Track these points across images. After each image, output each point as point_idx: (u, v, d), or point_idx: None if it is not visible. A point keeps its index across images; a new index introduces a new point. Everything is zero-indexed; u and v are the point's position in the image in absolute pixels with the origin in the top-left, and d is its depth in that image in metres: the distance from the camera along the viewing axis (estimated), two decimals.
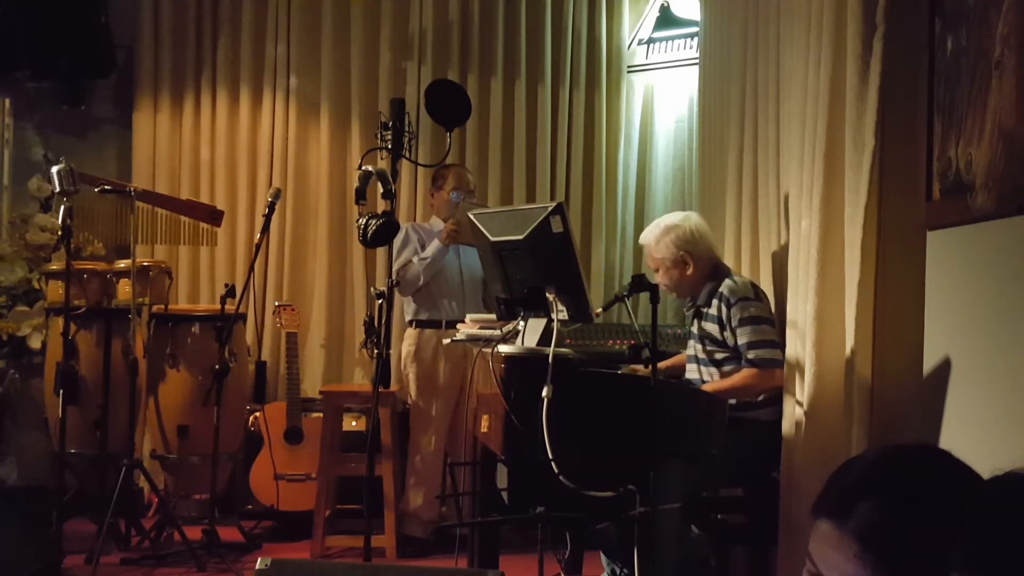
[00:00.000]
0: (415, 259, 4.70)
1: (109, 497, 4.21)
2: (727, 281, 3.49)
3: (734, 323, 3.42)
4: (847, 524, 1.09)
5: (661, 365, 3.67)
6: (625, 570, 3.33)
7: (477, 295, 4.80)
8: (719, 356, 3.50)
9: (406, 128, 3.84)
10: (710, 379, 3.52)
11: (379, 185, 3.77)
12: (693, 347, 3.60)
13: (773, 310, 3.56)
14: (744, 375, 3.40)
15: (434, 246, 4.70)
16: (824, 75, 2.95)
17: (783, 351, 3.35)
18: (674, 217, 3.66)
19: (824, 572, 1.11)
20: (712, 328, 3.49)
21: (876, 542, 1.07)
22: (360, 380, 5.51)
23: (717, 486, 3.67)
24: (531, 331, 3.13)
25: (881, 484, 1.11)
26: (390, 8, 5.58)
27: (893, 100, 2.74)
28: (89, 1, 5.44)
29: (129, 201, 4.38)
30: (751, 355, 3.38)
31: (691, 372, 3.61)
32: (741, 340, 3.40)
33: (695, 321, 3.60)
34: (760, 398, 3.45)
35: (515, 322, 3.26)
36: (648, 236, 3.63)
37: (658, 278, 3.57)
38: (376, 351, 3.76)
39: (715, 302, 3.48)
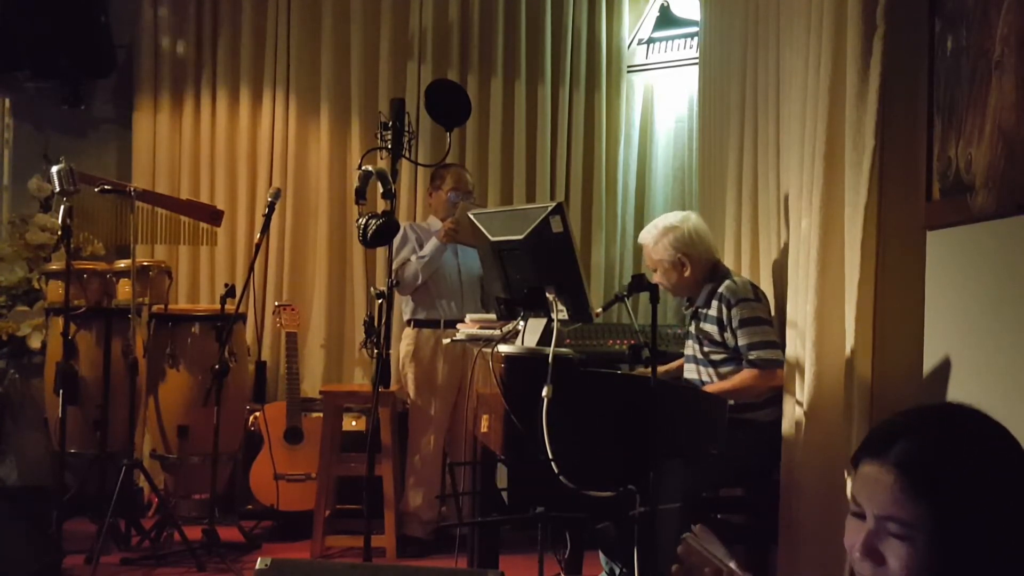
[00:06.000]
0: (413, 257, 4.70)
1: (109, 497, 4.21)
2: (727, 282, 3.49)
3: (734, 324, 3.42)
4: (887, 458, 1.18)
5: (663, 368, 3.67)
6: (625, 570, 3.33)
7: (475, 295, 4.80)
8: (717, 357, 3.50)
9: (406, 128, 3.85)
10: (709, 380, 3.52)
11: (379, 185, 3.77)
12: (692, 347, 3.60)
13: (773, 310, 3.57)
14: (745, 376, 3.40)
15: (432, 244, 4.69)
16: (824, 75, 2.95)
17: (783, 351, 3.35)
18: (673, 218, 3.63)
19: (868, 509, 1.20)
20: (711, 329, 3.49)
21: (916, 471, 1.16)
22: (360, 380, 5.51)
23: (717, 486, 3.67)
24: (531, 331, 3.14)
25: (918, 426, 1.22)
26: (390, 8, 5.58)
27: (893, 100, 2.74)
28: (89, 1, 5.44)
29: (129, 201, 4.38)
30: (752, 356, 3.38)
31: (689, 372, 3.62)
32: (742, 341, 3.40)
33: (693, 322, 3.60)
34: (761, 399, 3.45)
35: (515, 322, 3.26)
36: (646, 236, 3.62)
37: (656, 278, 3.57)
38: (376, 351, 3.77)
39: (715, 303, 3.48)
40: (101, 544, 4.10)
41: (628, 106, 5.63)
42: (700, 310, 3.55)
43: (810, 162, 3.06)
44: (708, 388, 3.47)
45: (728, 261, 4.04)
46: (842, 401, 2.89)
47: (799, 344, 3.17)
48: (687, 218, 3.62)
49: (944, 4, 2.61)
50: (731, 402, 3.38)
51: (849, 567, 1.24)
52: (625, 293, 3.06)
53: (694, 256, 3.54)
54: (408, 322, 4.86)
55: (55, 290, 4.62)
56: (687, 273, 3.54)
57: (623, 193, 5.61)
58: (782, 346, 3.37)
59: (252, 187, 5.63)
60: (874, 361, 2.79)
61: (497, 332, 3.38)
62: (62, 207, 4.18)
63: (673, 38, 5.49)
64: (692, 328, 3.60)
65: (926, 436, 1.19)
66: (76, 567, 4.15)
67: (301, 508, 4.76)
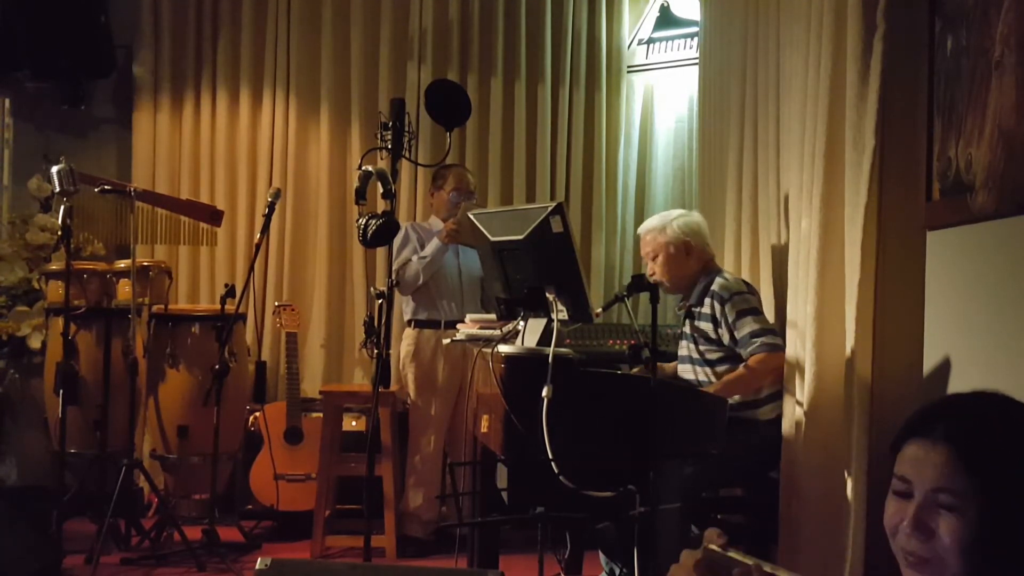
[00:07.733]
0: (414, 258, 4.70)
1: (109, 497, 4.21)
2: (718, 279, 3.51)
3: (731, 318, 3.42)
4: (935, 435, 1.22)
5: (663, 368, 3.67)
6: (625, 570, 3.33)
7: (476, 295, 4.80)
8: (713, 356, 3.50)
9: (406, 128, 3.85)
10: (705, 379, 3.52)
11: (379, 185, 3.77)
12: (686, 347, 3.61)
13: (773, 310, 3.58)
14: (757, 359, 3.38)
15: (433, 244, 4.69)
16: (824, 75, 2.95)
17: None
18: (677, 211, 3.76)
19: (916, 485, 1.22)
20: (706, 326, 3.49)
21: (966, 443, 1.20)
22: (360, 380, 5.51)
23: (717, 486, 3.67)
24: (531, 331, 3.13)
25: (962, 405, 1.28)
26: (390, 8, 5.58)
27: (893, 100, 2.74)
28: (89, 1, 5.44)
29: (129, 201, 4.38)
30: (757, 341, 3.38)
31: (684, 372, 3.62)
32: (746, 330, 3.40)
33: (687, 321, 3.60)
34: (764, 393, 3.45)
35: (515, 322, 3.26)
36: (653, 222, 3.67)
37: (654, 267, 3.59)
38: (376, 351, 3.77)
39: (707, 300, 3.50)
40: (101, 544, 4.10)
41: (628, 106, 5.63)
42: (694, 308, 3.56)
43: (810, 162, 3.06)
44: (723, 380, 3.43)
45: (728, 261, 4.04)
46: (842, 401, 2.89)
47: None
48: (692, 212, 3.76)
49: (944, 4, 2.61)
50: (736, 398, 3.38)
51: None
52: (625, 293, 3.07)
53: (698, 245, 3.61)
54: (408, 322, 4.86)
55: (55, 290, 4.62)
56: (690, 260, 3.57)
57: (623, 193, 5.61)
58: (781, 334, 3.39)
59: (252, 187, 5.63)
60: (874, 361, 2.79)
61: (497, 332, 3.38)
62: (62, 207, 4.18)
63: (673, 38, 5.49)
64: (686, 328, 3.61)
65: (972, 413, 1.24)
66: (76, 567, 4.14)
67: (301, 508, 4.76)
